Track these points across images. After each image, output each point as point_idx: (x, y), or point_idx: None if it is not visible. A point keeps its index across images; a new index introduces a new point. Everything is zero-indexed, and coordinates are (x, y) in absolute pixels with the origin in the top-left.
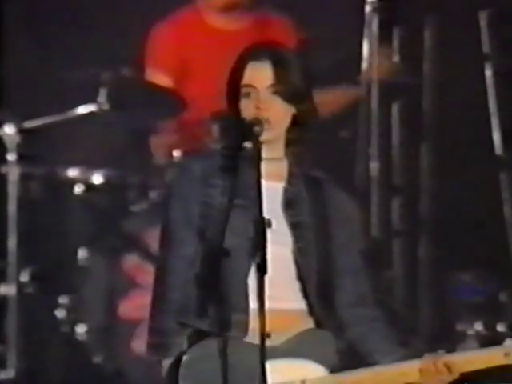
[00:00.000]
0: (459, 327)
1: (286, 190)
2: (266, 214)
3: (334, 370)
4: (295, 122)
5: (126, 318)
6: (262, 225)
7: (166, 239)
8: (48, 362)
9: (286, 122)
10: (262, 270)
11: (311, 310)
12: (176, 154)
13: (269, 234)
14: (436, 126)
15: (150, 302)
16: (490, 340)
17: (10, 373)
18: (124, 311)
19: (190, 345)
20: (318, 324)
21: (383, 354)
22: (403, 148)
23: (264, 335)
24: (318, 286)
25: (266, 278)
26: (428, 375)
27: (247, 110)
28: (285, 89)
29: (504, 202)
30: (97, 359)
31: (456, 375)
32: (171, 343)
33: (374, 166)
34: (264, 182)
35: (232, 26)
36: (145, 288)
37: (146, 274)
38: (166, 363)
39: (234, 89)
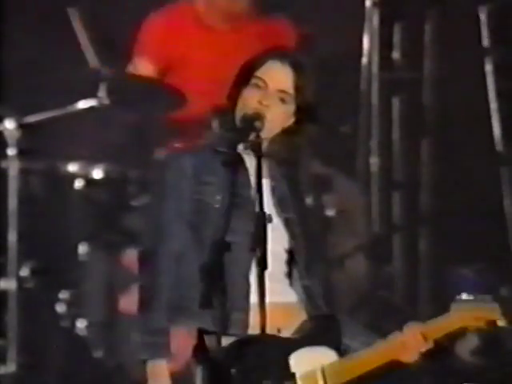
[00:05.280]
0: None
1: (275, 188)
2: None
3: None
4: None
5: (126, 312)
6: (262, 220)
7: (157, 235)
8: (48, 357)
9: (278, 128)
10: (262, 265)
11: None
12: (165, 150)
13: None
14: (436, 121)
15: (138, 302)
16: (491, 335)
17: (10, 367)
18: (124, 306)
19: None
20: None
21: (350, 337)
22: (404, 143)
23: (264, 329)
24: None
25: (266, 273)
26: (411, 349)
27: (249, 100)
28: (297, 100)
29: (504, 197)
30: (97, 354)
31: (430, 343)
32: (162, 343)
33: (375, 161)
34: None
35: (227, 23)
36: None
37: None
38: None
39: (245, 76)
